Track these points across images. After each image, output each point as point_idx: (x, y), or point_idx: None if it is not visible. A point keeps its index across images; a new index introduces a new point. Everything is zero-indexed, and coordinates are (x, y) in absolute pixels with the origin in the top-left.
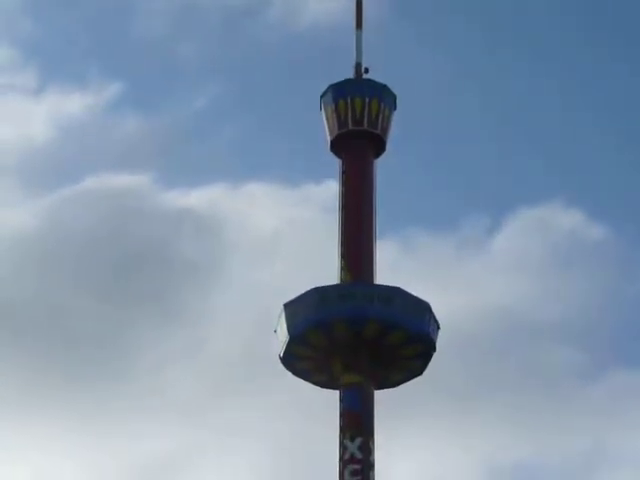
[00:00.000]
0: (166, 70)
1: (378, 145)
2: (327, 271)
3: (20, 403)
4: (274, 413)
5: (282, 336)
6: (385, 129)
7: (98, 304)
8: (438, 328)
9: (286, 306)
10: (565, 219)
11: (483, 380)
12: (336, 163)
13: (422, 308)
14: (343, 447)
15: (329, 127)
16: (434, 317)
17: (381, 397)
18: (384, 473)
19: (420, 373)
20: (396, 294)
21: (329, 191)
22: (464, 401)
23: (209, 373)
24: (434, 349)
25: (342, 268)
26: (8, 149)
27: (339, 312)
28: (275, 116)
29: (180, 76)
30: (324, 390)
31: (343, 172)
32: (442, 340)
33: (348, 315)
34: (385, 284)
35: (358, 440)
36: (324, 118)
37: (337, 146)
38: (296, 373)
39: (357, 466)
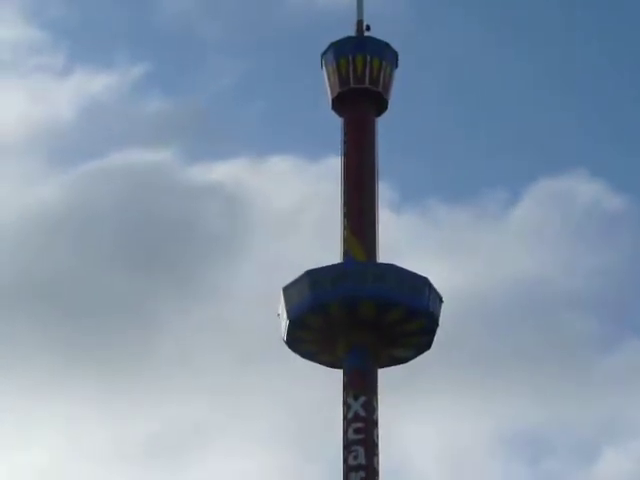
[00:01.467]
0: (191, 51)
1: (380, 103)
2: None
3: (48, 374)
4: (290, 382)
5: (283, 320)
6: (387, 87)
7: (123, 278)
8: (441, 302)
9: (284, 290)
10: (586, 190)
11: (500, 350)
12: None
13: (419, 283)
14: (347, 406)
15: (330, 85)
16: (435, 291)
17: (392, 374)
18: (400, 442)
19: (427, 348)
20: (390, 271)
21: None
22: (481, 370)
23: (231, 344)
24: (436, 323)
25: (345, 228)
26: (36, 127)
27: (332, 294)
28: (298, 91)
29: (205, 56)
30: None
31: (344, 130)
32: (460, 311)
33: (341, 296)
34: (382, 261)
35: (362, 399)
36: (325, 76)
37: (338, 105)
38: (302, 355)
39: (361, 424)
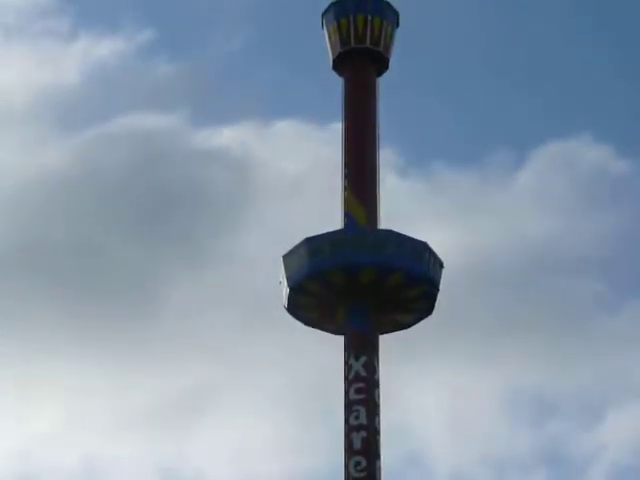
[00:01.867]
0: (197, 16)
1: (381, 63)
2: None
3: (49, 340)
4: (294, 348)
5: (284, 287)
6: (388, 47)
7: (128, 244)
8: (441, 267)
9: (284, 258)
10: (591, 154)
11: (504, 313)
12: None
13: (419, 248)
14: (348, 366)
15: (331, 45)
16: (435, 256)
17: (395, 339)
18: (404, 405)
19: (429, 313)
20: (389, 237)
21: None
22: (485, 333)
23: (236, 310)
24: (437, 288)
25: (345, 188)
26: (41, 92)
27: (331, 261)
28: (305, 57)
29: (211, 22)
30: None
31: (345, 90)
32: (465, 275)
33: (341, 263)
34: (387, 226)
35: (363, 359)
36: (326, 36)
37: (339, 65)
38: (304, 322)
39: (362, 384)
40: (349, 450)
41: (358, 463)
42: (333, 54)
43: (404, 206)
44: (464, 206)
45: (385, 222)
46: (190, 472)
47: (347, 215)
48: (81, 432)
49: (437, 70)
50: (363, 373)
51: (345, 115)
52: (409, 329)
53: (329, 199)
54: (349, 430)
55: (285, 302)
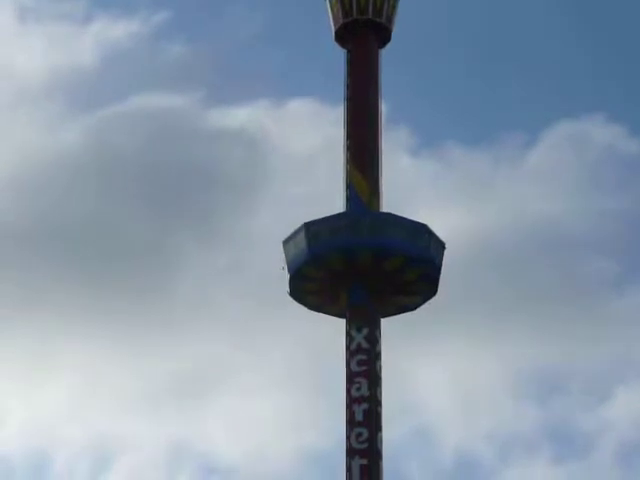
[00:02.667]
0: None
1: (383, 35)
2: None
3: (68, 314)
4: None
5: (287, 273)
6: (390, 18)
7: (143, 222)
8: (443, 248)
9: (284, 244)
10: (602, 134)
11: (514, 292)
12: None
13: (418, 231)
14: (350, 337)
15: (333, 16)
16: (435, 237)
17: (402, 320)
18: (418, 381)
19: (433, 294)
20: (387, 220)
21: None
22: (495, 312)
23: (249, 287)
24: (438, 270)
25: (347, 160)
26: (57, 74)
27: (330, 245)
28: (318, 37)
29: (225, 3)
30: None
31: (348, 62)
32: (475, 253)
33: (339, 247)
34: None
35: (364, 330)
36: (328, 7)
37: (342, 36)
38: (308, 306)
39: (364, 356)
40: (351, 422)
41: (360, 434)
42: (335, 25)
43: (415, 186)
44: (475, 186)
45: (395, 202)
46: (200, 448)
47: (349, 187)
48: (93, 408)
49: (444, 48)
50: (365, 345)
51: (347, 86)
52: (415, 310)
53: (342, 178)
54: (351, 402)
55: (287, 288)
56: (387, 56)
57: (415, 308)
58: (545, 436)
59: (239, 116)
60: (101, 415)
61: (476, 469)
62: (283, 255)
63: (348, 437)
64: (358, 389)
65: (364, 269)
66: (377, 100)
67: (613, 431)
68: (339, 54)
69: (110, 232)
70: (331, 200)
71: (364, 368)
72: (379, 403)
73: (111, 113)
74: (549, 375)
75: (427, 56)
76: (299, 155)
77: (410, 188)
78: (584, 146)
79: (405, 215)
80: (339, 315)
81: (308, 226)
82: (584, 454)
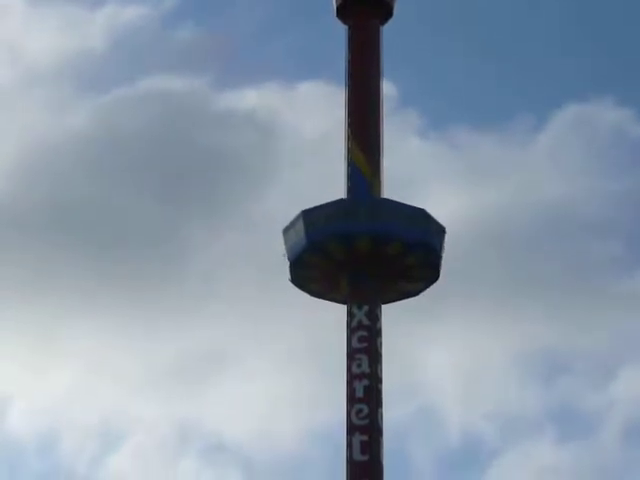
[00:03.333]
0: None
1: (385, 10)
2: None
3: (73, 297)
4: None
5: (287, 261)
6: None
7: (152, 204)
8: (443, 232)
9: (284, 232)
10: (611, 118)
11: (521, 273)
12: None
13: (416, 216)
14: (351, 315)
15: None
16: (434, 222)
17: (406, 306)
18: (423, 363)
19: (436, 279)
20: (385, 206)
21: (385, 89)
22: (501, 294)
23: (256, 271)
24: (437, 255)
25: (349, 137)
26: (67, 57)
27: (327, 232)
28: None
29: None
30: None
31: (349, 38)
32: (482, 236)
33: (336, 234)
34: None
35: (365, 307)
36: None
37: (343, 12)
38: (310, 293)
39: (364, 333)
40: (351, 398)
41: (360, 411)
42: (337, 1)
43: (423, 168)
44: (483, 169)
45: (402, 184)
46: (206, 429)
47: (351, 165)
48: (100, 391)
49: (450, 32)
50: (366, 322)
51: (348, 62)
52: (419, 296)
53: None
54: (351, 378)
55: (289, 275)
56: (393, 37)
57: (418, 293)
58: (549, 416)
59: (248, 99)
60: (108, 397)
61: (480, 449)
62: (283, 242)
63: (348, 413)
64: (359, 366)
65: (363, 255)
66: (379, 76)
67: (617, 411)
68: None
69: (117, 215)
70: (341, 184)
71: (365, 345)
72: (380, 380)
73: (120, 96)
74: (553, 356)
75: (433, 37)
76: (309, 138)
77: (417, 171)
78: (592, 129)
79: (412, 198)
80: (341, 301)
81: (306, 213)
82: (588, 434)
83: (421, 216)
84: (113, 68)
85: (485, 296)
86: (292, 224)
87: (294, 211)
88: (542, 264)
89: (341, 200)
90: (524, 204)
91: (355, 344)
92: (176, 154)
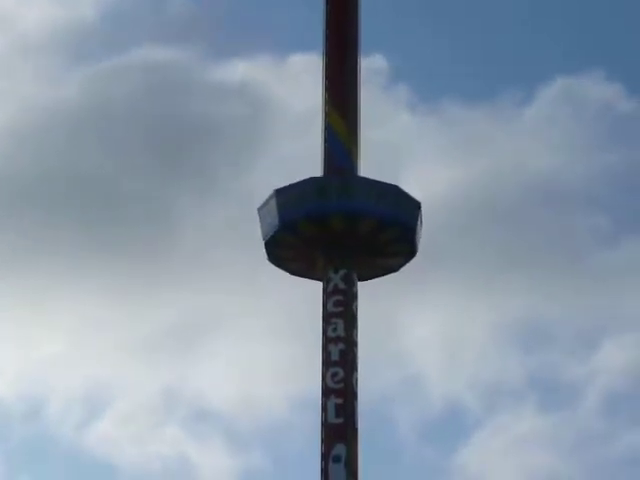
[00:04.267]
0: None
1: None
2: None
3: (64, 269)
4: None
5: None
6: None
7: (142, 176)
8: (418, 208)
9: (259, 210)
10: (601, 91)
11: (510, 245)
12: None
13: (388, 192)
14: (327, 279)
15: None
16: (408, 198)
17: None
18: (405, 333)
19: (413, 254)
20: (356, 183)
21: (375, 64)
22: (484, 265)
23: (245, 243)
24: (412, 230)
25: (326, 101)
26: (58, 28)
27: (299, 212)
28: None
29: None
30: None
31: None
32: (471, 208)
33: (309, 213)
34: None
35: (342, 272)
36: None
37: None
38: (290, 272)
39: (340, 297)
40: (326, 362)
41: (335, 374)
42: None
43: (412, 142)
44: (472, 142)
45: (392, 158)
46: (193, 393)
47: (327, 128)
48: (87, 357)
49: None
50: (342, 285)
51: (326, 25)
52: (401, 270)
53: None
54: (327, 342)
55: (265, 255)
56: (381, 11)
57: (399, 268)
58: (530, 386)
59: (239, 71)
60: (93, 364)
61: (462, 417)
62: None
63: (324, 377)
64: (334, 330)
65: (337, 234)
66: (356, 40)
67: (598, 381)
68: None
69: (109, 184)
70: None
71: (340, 309)
72: (355, 344)
73: (111, 66)
74: (535, 326)
75: (420, 12)
76: (299, 111)
77: (407, 144)
78: (581, 102)
79: (400, 171)
80: (319, 279)
81: (279, 193)
82: (569, 403)
83: (394, 192)
84: (105, 38)
85: (469, 267)
86: (266, 203)
87: (284, 183)
88: (527, 236)
89: (312, 179)
90: (512, 177)
91: (331, 308)
92: (167, 124)
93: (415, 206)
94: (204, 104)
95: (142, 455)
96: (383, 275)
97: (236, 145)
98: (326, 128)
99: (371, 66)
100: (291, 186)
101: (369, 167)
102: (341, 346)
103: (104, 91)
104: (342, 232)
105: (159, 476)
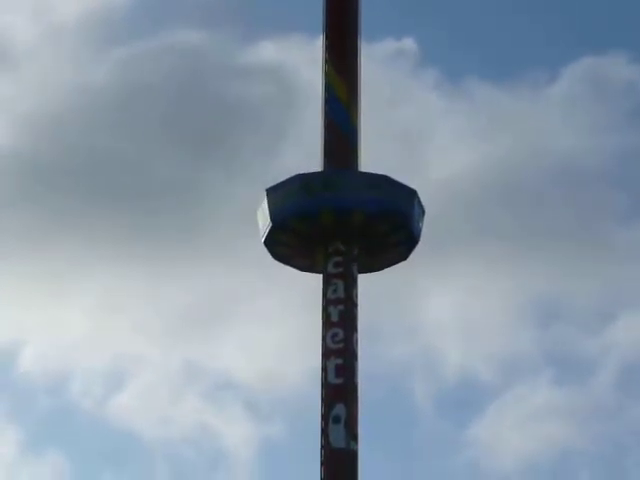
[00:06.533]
0: None
1: None
2: None
3: (89, 247)
4: None
5: (265, 221)
6: None
7: (171, 159)
8: (413, 194)
9: (257, 211)
10: (624, 73)
11: (527, 223)
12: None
13: (376, 183)
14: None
15: None
16: (401, 187)
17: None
18: (423, 307)
19: (415, 243)
20: (342, 177)
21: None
22: (506, 243)
23: None
24: (406, 219)
25: (326, 61)
26: (87, 12)
27: (289, 211)
28: None
29: None
30: None
31: None
32: (490, 187)
33: (297, 212)
34: (335, 167)
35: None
36: None
37: None
38: (295, 268)
39: (339, 258)
40: (327, 323)
41: (335, 335)
42: None
43: (434, 121)
44: (494, 122)
45: (414, 137)
46: (213, 368)
47: (327, 89)
48: (111, 332)
49: None
50: (342, 248)
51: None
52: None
53: (373, 119)
54: (327, 303)
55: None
56: None
57: (406, 257)
58: (546, 359)
59: (270, 54)
60: (117, 339)
61: (478, 389)
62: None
63: (324, 338)
64: (334, 291)
65: (330, 229)
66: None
67: (613, 355)
68: None
69: (137, 167)
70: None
71: (340, 270)
72: (355, 305)
73: (140, 49)
74: (552, 301)
75: None
76: None
77: (429, 123)
78: (603, 83)
79: (424, 150)
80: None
81: (269, 192)
82: (584, 376)
83: (383, 183)
84: (134, 21)
85: (489, 245)
86: (261, 202)
87: (313, 167)
88: (548, 215)
89: (298, 175)
90: (533, 156)
91: (331, 269)
92: (196, 107)
93: (409, 193)
94: (234, 87)
95: (163, 424)
96: (392, 265)
97: (266, 127)
98: (326, 89)
99: (400, 48)
100: (279, 184)
101: (395, 147)
102: (341, 307)
103: (135, 75)
104: (334, 226)
105: (180, 444)
